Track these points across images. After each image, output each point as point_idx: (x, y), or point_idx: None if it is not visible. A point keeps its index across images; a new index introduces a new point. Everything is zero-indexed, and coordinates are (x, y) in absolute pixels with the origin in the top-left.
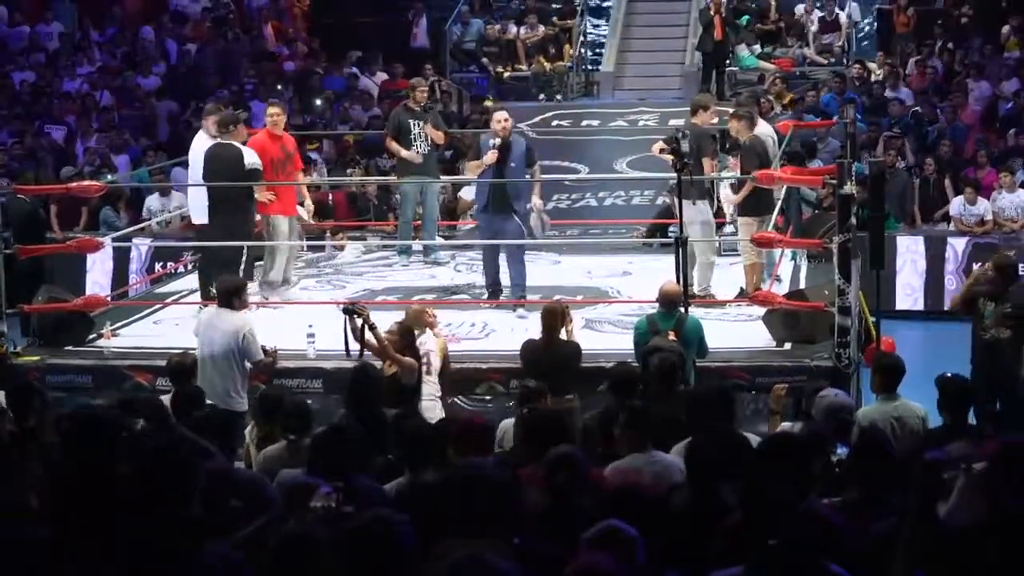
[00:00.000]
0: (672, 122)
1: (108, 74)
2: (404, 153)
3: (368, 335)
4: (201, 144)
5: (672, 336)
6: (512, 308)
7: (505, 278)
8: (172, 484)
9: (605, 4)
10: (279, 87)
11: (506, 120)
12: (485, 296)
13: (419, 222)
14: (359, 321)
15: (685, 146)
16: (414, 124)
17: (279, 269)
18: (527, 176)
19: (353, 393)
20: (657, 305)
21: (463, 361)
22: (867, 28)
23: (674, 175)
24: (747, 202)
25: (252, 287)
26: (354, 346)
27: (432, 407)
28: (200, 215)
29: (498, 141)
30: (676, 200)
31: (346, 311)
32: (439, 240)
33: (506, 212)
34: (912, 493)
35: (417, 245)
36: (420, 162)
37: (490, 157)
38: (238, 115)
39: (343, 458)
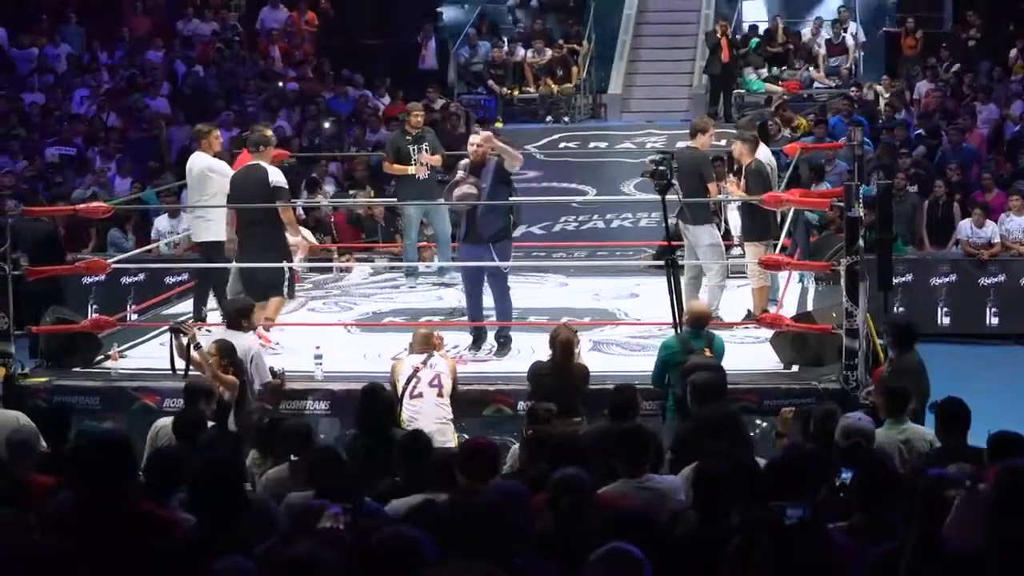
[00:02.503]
0: (679, 144)
1: (116, 96)
2: (411, 169)
3: (193, 353)
4: (200, 162)
5: (708, 353)
6: (495, 340)
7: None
8: (226, 501)
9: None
10: (283, 109)
11: (479, 145)
12: (470, 343)
13: (424, 243)
14: (184, 340)
15: (665, 167)
16: (413, 149)
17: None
18: (508, 191)
19: (363, 414)
20: (657, 327)
21: (470, 383)
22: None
23: (679, 197)
24: (751, 227)
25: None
26: (179, 364)
27: (444, 430)
28: (203, 234)
29: (465, 163)
30: (669, 222)
31: (172, 330)
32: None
33: (479, 241)
34: (914, 512)
35: (423, 267)
36: (425, 176)
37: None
38: (268, 136)
39: (343, 480)
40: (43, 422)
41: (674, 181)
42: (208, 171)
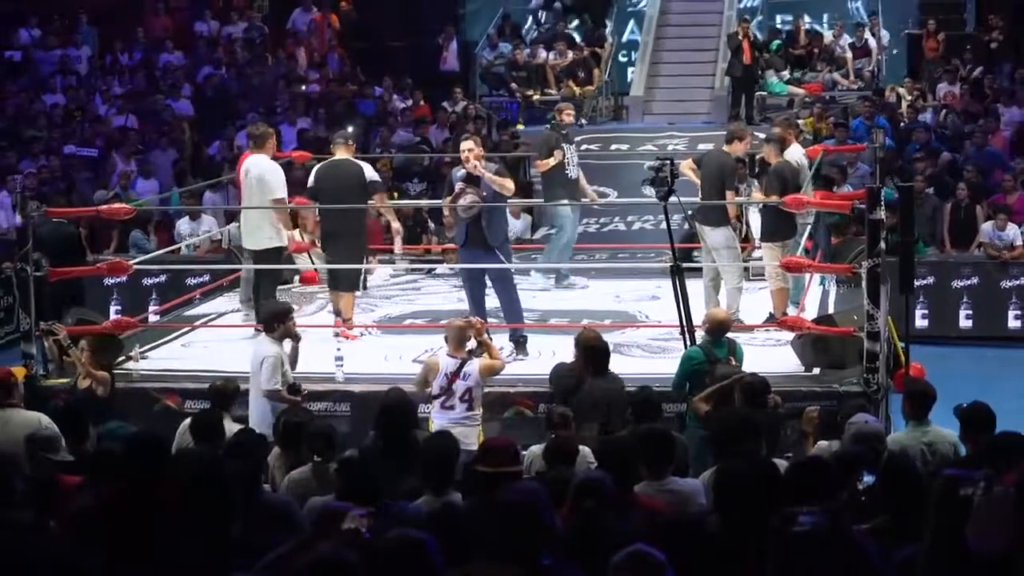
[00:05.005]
0: (701, 146)
1: (136, 98)
2: (551, 162)
3: (67, 355)
4: (265, 166)
5: (733, 362)
6: (511, 341)
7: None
8: (213, 503)
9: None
10: (311, 110)
11: (471, 151)
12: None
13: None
14: (54, 339)
15: (665, 173)
16: (566, 148)
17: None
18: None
19: (384, 417)
20: (678, 330)
21: (491, 385)
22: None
23: (697, 200)
24: (768, 227)
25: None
26: (53, 361)
27: (468, 433)
28: (260, 241)
29: (463, 172)
30: (673, 226)
31: (45, 331)
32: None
33: (484, 247)
34: (931, 512)
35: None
36: (575, 176)
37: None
38: (349, 133)
39: (371, 483)
40: (61, 423)
41: (675, 188)
42: (268, 175)
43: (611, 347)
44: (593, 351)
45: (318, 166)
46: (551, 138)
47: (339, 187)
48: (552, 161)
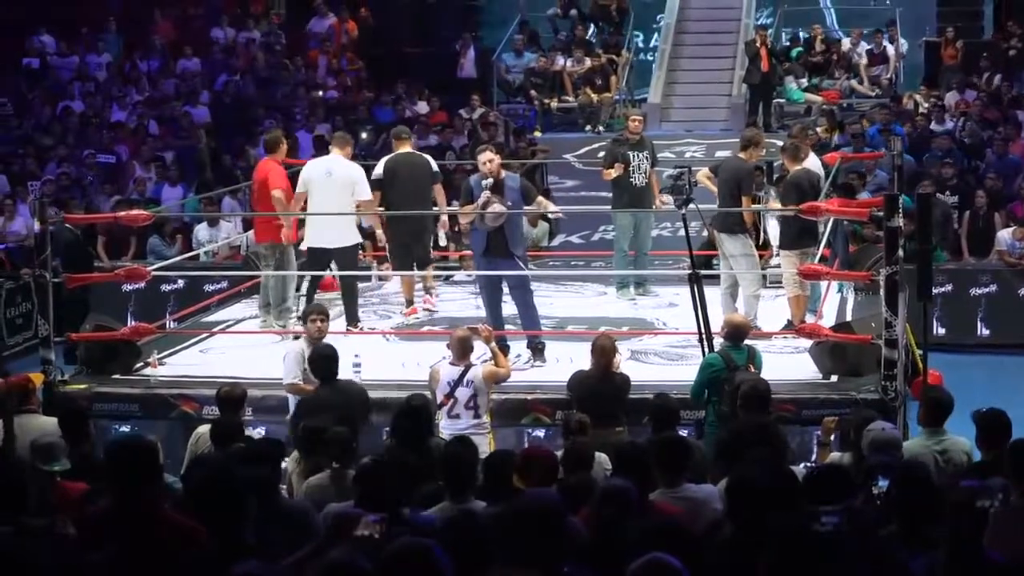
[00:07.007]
0: (719, 153)
1: (156, 104)
2: (613, 173)
3: None
4: (347, 167)
5: (752, 369)
6: (529, 348)
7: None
8: (226, 510)
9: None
10: (330, 116)
11: (490, 160)
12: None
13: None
14: None
15: (684, 181)
16: (633, 156)
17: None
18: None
19: (400, 422)
20: (696, 337)
21: (508, 392)
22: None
23: (715, 206)
24: (786, 235)
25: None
26: None
27: (479, 441)
28: (350, 238)
29: (490, 181)
30: (691, 233)
31: None
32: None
33: (505, 255)
34: (947, 522)
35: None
36: (642, 183)
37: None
38: (408, 129)
39: (388, 490)
40: (59, 427)
41: (693, 196)
42: (358, 175)
43: (628, 354)
44: (318, 359)
45: (386, 159)
46: (610, 150)
47: (413, 176)
48: (613, 172)
